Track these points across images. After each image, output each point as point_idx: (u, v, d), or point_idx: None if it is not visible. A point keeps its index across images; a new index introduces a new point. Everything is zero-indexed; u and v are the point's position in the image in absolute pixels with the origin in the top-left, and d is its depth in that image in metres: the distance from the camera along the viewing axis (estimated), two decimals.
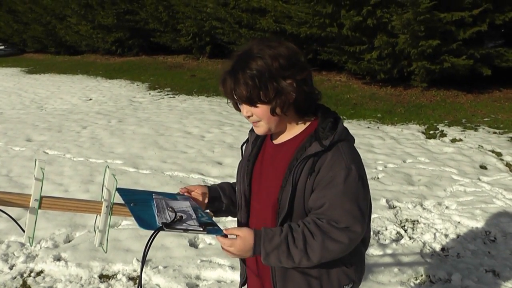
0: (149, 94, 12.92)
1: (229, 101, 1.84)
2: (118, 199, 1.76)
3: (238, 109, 1.82)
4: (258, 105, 1.72)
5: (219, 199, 2.05)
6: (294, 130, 1.83)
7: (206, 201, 2.00)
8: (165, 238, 4.38)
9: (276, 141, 1.89)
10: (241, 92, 1.70)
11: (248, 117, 1.79)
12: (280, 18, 12.92)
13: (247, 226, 1.93)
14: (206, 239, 4.43)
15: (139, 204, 1.76)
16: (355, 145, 1.83)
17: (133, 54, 20.92)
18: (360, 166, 1.74)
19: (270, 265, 1.69)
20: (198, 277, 3.89)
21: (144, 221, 1.64)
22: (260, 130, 1.82)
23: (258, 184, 1.93)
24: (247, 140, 2.06)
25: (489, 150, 7.12)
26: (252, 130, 1.96)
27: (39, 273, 3.99)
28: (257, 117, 1.76)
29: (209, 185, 2.09)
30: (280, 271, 1.85)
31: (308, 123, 1.82)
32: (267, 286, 1.94)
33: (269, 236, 1.67)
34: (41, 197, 1.67)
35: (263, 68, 1.66)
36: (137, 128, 8.89)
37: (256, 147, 1.98)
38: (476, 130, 8.32)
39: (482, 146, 7.30)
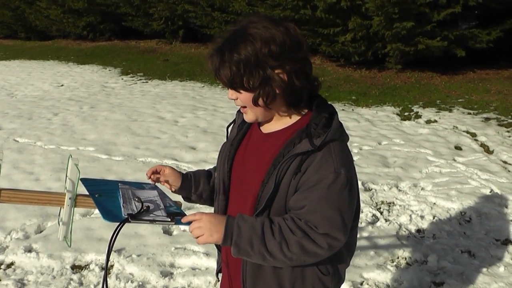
0: (122, 79, 12.72)
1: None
2: (83, 190, 1.68)
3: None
4: (241, 91, 1.61)
5: (189, 187, 1.97)
6: (284, 121, 1.70)
7: (178, 184, 1.93)
8: (139, 225, 4.29)
9: (264, 129, 1.77)
10: (224, 75, 1.59)
11: (234, 100, 1.69)
12: (253, 0, 12.80)
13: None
14: (180, 226, 4.37)
15: (104, 195, 1.69)
16: None
17: (105, 39, 20.54)
18: (350, 169, 1.61)
19: (240, 249, 1.55)
20: (172, 265, 3.83)
21: (109, 213, 1.57)
22: (247, 117, 1.71)
23: (239, 173, 1.81)
24: (234, 121, 1.94)
25: (463, 131, 7.17)
26: (240, 111, 1.82)
27: (9, 265, 3.87)
28: (242, 102, 1.66)
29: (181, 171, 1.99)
30: (252, 268, 1.74)
31: (300, 116, 1.69)
32: (237, 283, 1.84)
33: (244, 217, 1.58)
34: None
35: (251, 54, 1.53)
36: (109, 114, 8.73)
37: (242, 132, 1.86)
38: (450, 111, 8.38)
39: (456, 127, 7.35)
